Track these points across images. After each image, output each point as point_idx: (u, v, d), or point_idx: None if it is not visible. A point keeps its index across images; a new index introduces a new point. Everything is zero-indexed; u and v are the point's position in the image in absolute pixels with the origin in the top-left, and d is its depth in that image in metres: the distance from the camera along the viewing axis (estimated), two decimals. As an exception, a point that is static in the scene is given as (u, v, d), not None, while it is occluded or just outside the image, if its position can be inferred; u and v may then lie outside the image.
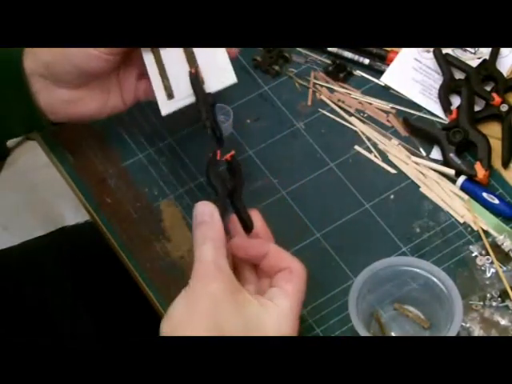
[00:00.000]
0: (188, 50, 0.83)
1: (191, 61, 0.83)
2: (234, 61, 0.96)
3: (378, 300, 0.83)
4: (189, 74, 0.82)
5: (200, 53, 0.84)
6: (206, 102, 0.81)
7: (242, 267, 0.77)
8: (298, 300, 0.74)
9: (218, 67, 0.84)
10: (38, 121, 0.84)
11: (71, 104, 0.84)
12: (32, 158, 1.24)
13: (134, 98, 0.88)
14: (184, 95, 0.82)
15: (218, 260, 0.71)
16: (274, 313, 0.72)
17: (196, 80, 0.81)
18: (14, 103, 0.83)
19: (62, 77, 0.82)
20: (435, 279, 0.81)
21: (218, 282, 0.70)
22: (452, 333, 0.77)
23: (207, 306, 0.69)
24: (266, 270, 0.77)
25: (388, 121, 0.92)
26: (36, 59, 0.81)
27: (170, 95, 0.83)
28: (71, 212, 1.23)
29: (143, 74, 0.86)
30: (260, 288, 0.77)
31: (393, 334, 0.85)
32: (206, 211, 0.74)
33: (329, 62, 0.96)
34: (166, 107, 0.83)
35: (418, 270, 0.82)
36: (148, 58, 0.83)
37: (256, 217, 0.79)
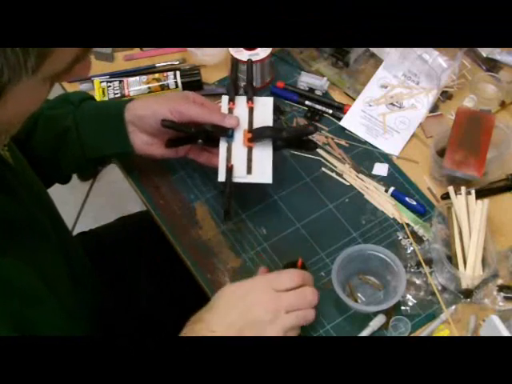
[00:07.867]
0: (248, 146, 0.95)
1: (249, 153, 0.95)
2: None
3: (349, 273, 0.94)
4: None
5: (254, 151, 0.95)
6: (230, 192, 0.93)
7: None
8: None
9: (262, 166, 0.94)
10: (128, 148, 0.98)
11: (146, 145, 0.99)
12: (117, 173, 1.17)
13: (184, 155, 0.99)
14: (240, 174, 0.94)
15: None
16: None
17: (229, 173, 0.93)
18: (115, 140, 0.98)
19: (147, 127, 0.97)
20: (386, 257, 0.93)
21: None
22: (400, 293, 0.88)
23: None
24: None
25: (339, 154, 1.08)
26: (133, 114, 0.96)
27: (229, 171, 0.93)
28: (137, 209, 1.32)
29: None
30: None
31: (359, 295, 0.93)
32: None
33: (306, 110, 1.13)
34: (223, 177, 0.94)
35: (376, 253, 0.93)
36: (223, 144, 0.96)
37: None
